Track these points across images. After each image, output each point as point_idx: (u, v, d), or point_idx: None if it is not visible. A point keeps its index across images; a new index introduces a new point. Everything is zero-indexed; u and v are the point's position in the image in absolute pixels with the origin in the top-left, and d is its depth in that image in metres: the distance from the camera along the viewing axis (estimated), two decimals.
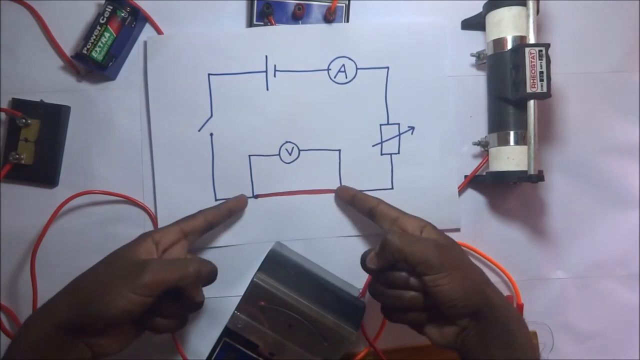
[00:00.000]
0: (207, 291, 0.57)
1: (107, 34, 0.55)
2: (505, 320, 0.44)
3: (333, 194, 0.59)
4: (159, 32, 0.58)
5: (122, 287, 0.42)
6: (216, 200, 0.58)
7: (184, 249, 0.51)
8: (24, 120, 0.56)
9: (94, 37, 0.54)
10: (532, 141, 0.53)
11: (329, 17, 0.58)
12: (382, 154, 0.59)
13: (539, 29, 0.55)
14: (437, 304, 0.44)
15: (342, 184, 0.59)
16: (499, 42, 0.56)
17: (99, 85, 0.59)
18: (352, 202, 0.56)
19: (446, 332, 0.45)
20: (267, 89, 0.58)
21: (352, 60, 0.58)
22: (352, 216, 0.59)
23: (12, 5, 0.58)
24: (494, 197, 0.61)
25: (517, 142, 0.55)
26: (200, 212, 0.54)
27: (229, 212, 0.55)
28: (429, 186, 0.59)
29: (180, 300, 0.46)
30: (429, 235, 0.48)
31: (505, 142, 0.56)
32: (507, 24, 0.55)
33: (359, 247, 0.59)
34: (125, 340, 0.46)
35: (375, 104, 0.59)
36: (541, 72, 0.52)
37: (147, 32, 0.59)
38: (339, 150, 0.59)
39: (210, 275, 0.48)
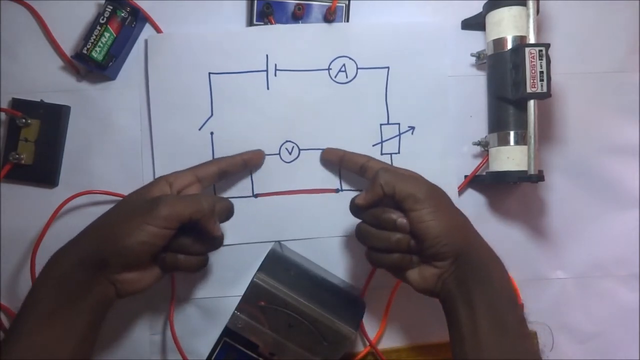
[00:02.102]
0: (208, 291, 0.58)
1: (107, 34, 0.55)
2: (485, 263, 0.45)
3: (333, 194, 0.59)
4: (159, 32, 0.58)
5: (140, 220, 0.43)
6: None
7: (197, 191, 0.52)
8: (24, 120, 0.56)
9: (94, 37, 0.54)
10: (532, 141, 0.53)
11: (329, 17, 0.58)
12: (382, 154, 0.59)
13: (539, 29, 0.55)
14: (420, 245, 0.45)
15: (342, 183, 0.59)
16: (499, 42, 0.56)
17: (99, 85, 0.59)
18: (341, 162, 0.57)
19: (427, 275, 0.46)
20: (268, 88, 0.58)
21: (352, 60, 0.58)
22: (352, 216, 0.59)
23: (12, 5, 0.58)
24: (494, 197, 0.61)
25: (517, 142, 0.55)
26: (214, 159, 0.55)
27: (243, 162, 0.56)
28: None
29: (199, 237, 0.48)
30: (418, 176, 0.50)
31: (505, 142, 0.56)
32: (507, 24, 0.55)
33: (359, 247, 0.58)
34: (148, 278, 0.47)
35: (375, 103, 0.59)
36: (541, 72, 0.52)
37: (147, 31, 0.59)
38: None
39: (225, 210, 0.50)
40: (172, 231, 0.44)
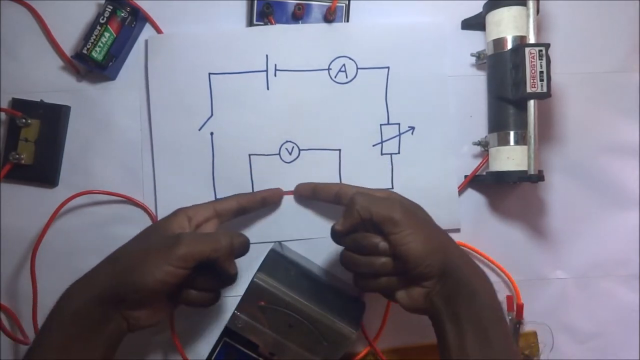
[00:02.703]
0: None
1: (107, 34, 0.55)
2: (469, 279, 0.45)
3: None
4: (159, 32, 0.58)
5: (157, 259, 0.43)
6: (216, 199, 0.58)
7: (215, 226, 0.52)
8: (24, 120, 0.56)
9: (94, 37, 0.55)
10: (532, 141, 0.53)
11: (329, 17, 0.58)
12: (382, 154, 0.59)
13: (539, 29, 0.55)
14: (404, 266, 0.45)
15: (342, 183, 0.59)
16: (499, 42, 0.56)
17: (99, 85, 0.59)
18: (314, 194, 0.57)
19: (415, 295, 0.46)
20: (268, 89, 0.58)
21: (352, 60, 0.58)
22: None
23: (12, 5, 0.58)
24: (494, 197, 0.61)
25: (517, 142, 0.55)
26: (234, 195, 0.55)
27: (262, 200, 0.56)
28: (429, 186, 0.59)
29: (214, 274, 0.47)
30: (393, 197, 0.49)
31: (505, 142, 0.56)
32: (507, 24, 0.55)
33: None
34: (160, 313, 0.47)
35: (375, 103, 0.59)
36: (541, 72, 0.52)
37: (147, 32, 0.59)
38: (339, 150, 0.59)
39: (242, 247, 0.49)
40: (189, 270, 0.44)
